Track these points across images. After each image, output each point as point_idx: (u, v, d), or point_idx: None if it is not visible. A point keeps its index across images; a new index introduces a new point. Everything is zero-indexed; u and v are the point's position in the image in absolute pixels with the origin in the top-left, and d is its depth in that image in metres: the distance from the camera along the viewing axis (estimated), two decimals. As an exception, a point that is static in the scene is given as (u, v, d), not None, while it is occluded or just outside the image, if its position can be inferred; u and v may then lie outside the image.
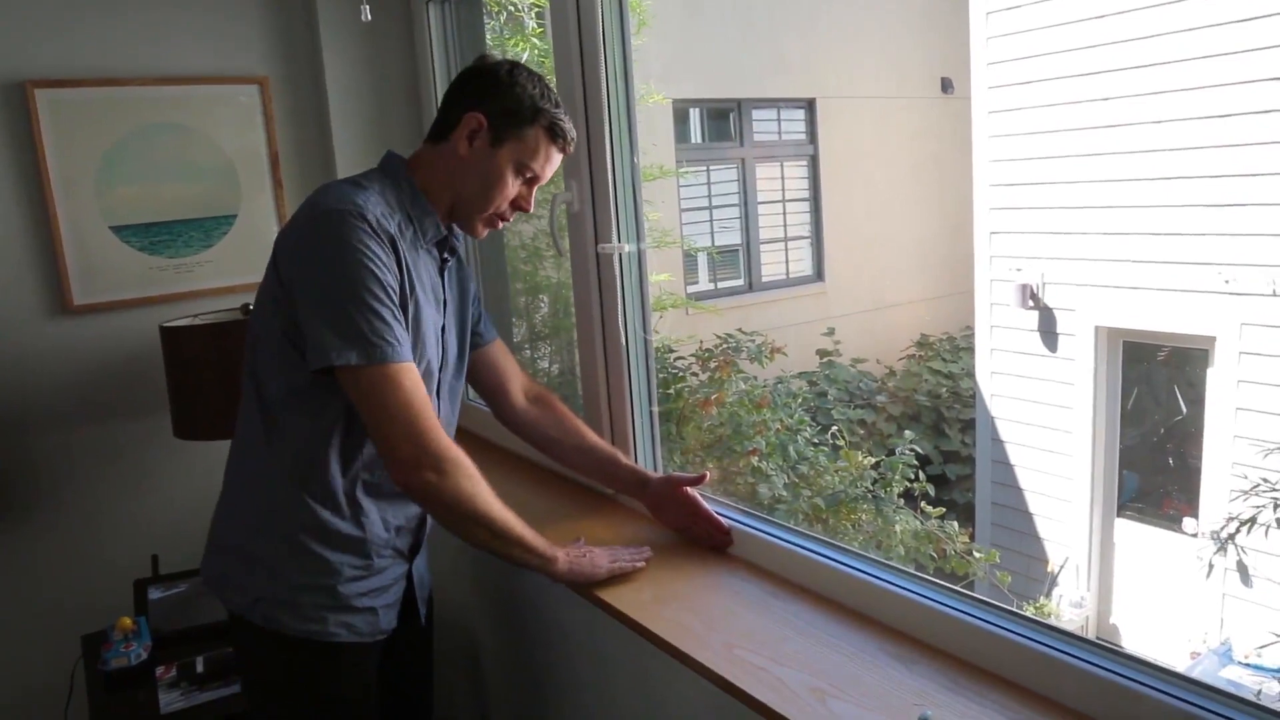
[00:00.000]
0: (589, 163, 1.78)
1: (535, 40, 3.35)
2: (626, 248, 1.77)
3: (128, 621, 2.04)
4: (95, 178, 2.27)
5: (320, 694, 1.50)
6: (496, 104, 1.44)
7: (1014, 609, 1.23)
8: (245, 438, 1.49)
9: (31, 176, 2.19)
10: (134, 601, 2.20)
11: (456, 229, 1.56)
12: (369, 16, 2.06)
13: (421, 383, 1.38)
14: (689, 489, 1.66)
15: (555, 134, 1.47)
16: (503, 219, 1.52)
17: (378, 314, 1.32)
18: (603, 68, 1.73)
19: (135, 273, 2.33)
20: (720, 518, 1.63)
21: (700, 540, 1.66)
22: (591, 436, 1.78)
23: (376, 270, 1.32)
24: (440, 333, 1.53)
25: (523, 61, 3.47)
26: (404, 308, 1.39)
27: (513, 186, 1.48)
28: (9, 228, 2.19)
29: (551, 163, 1.50)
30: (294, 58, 2.47)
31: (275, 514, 1.45)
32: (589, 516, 1.84)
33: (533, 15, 3.35)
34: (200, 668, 1.98)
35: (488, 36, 2.96)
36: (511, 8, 3.31)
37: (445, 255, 1.54)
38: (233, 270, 2.44)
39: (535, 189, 1.52)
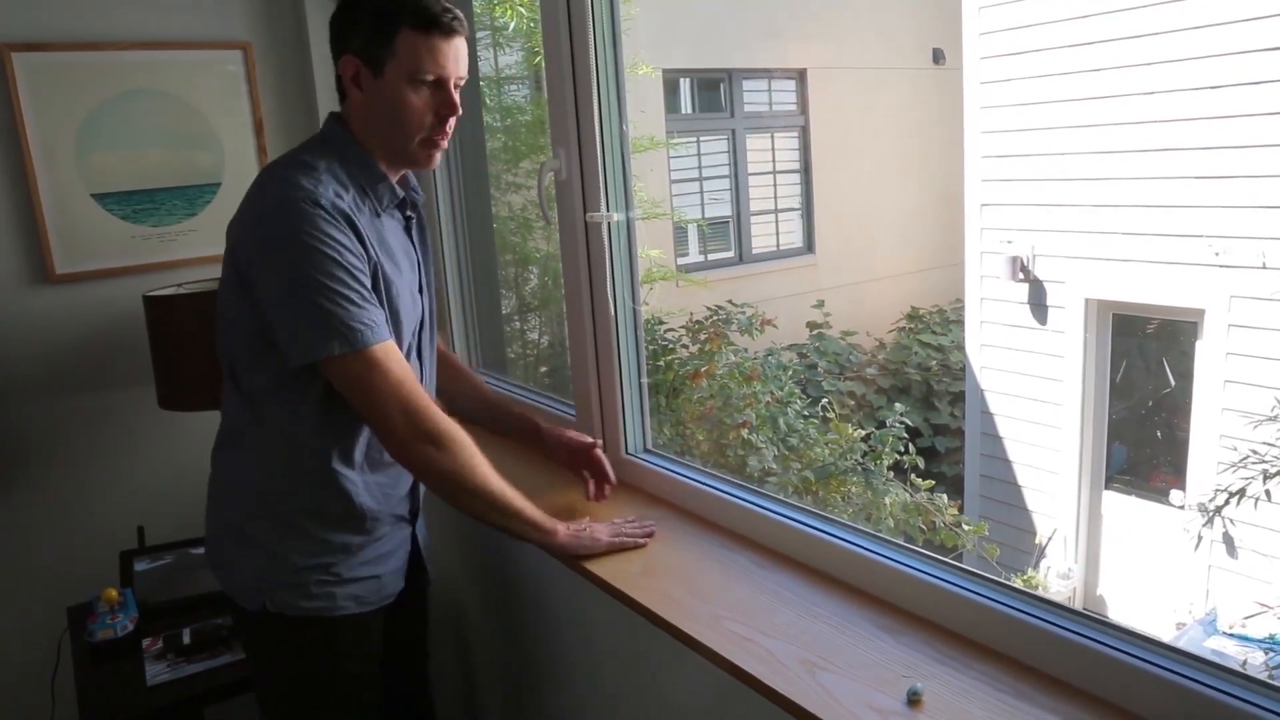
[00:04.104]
0: (577, 131, 1.75)
1: (522, 9, 3.30)
2: (615, 217, 1.75)
3: (113, 593, 2.02)
4: (75, 144, 2.23)
5: (330, 668, 1.50)
6: (357, 37, 1.35)
7: (1002, 580, 1.23)
8: (230, 425, 1.48)
9: (10, 142, 2.15)
10: (120, 573, 2.19)
11: (413, 183, 1.53)
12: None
13: (404, 359, 1.37)
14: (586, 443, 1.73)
15: (425, 23, 1.33)
16: (438, 135, 1.41)
17: (349, 299, 1.29)
18: (591, 35, 1.70)
19: (118, 241, 2.30)
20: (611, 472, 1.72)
21: (581, 477, 1.74)
22: (486, 388, 1.86)
23: (338, 256, 1.29)
24: (417, 294, 1.51)
25: (510, 29, 3.44)
26: (375, 285, 1.36)
27: (420, 100, 1.36)
28: (-13, 195, 2.16)
29: (444, 54, 1.35)
30: (278, 24, 2.43)
31: (269, 498, 1.44)
32: (578, 488, 1.83)
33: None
34: (186, 639, 1.97)
35: (475, 4, 2.91)
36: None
37: (409, 214, 1.52)
38: (217, 239, 2.34)
39: (455, 89, 1.40)
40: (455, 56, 1.38)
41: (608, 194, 1.75)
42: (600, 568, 1.49)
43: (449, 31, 1.36)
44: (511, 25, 3.37)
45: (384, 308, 1.38)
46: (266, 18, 2.41)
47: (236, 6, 2.38)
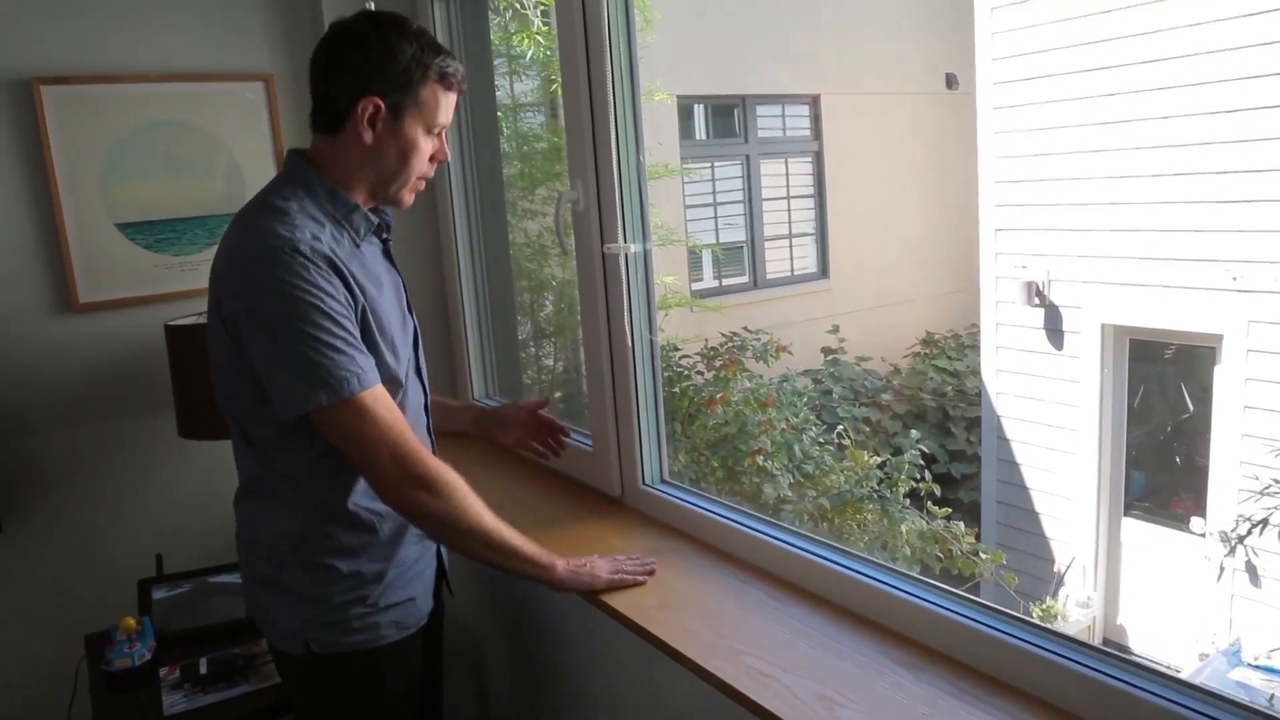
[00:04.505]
0: (595, 162, 1.76)
1: (540, 38, 3.33)
2: (632, 248, 1.76)
3: (131, 621, 2.03)
4: (100, 175, 2.25)
5: (377, 698, 1.51)
6: (384, 80, 1.37)
7: (1021, 615, 1.23)
8: (246, 476, 1.48)
9: (37, 173, 2.19)
10: (138, 601, 2.19)
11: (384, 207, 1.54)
12: (374, 14, 2.04)
13: (394, 404, 1.37)
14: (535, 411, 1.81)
15: (448, 81, 1.42)
16: (424, 179, 1.48)
17: (333, 348, 1.29)
18: (608, 66, 1.72)
19: (140, 270, 2.32)
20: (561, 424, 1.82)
21: (536, 449, 1.82)
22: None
23: (319, 303, 1.29)
24: (407, 315, 1.53)
25: (527, 58, 3.47)
26: (365, 323, 1.37)
27: (428, 147, 1.44)
28: (15, 225, 2.18)
29: (452, 108, 1.46)
30: (300, 55, 2.46)
31: (295, 545, 1.44)
32: (595, 519, 1.84)
33: (538, 12, 3.33)
34: (204, 669, 1.97)
35: (493, 34, 2.94)
36: (517, 5, 3.29)
37: (385, 237, 1.52)
38: (237, 269, 2.43)
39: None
40: (454, 108, 1.47)
41: (625, 225, 1.76)
42: (617, 600, 1.49)
43: (460, 89, 1.45)
44: (529, 54, 3.40)
45: (380, 340, 1.39)
46: (288, 49, 2.45)
47: (259, 38, 2.42)
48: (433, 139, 1.45)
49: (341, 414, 1.30)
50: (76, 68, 2.20)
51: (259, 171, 2.43)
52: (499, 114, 3.38)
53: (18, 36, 2.14)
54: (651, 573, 1.56)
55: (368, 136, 1.39)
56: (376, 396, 1.33)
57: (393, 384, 1.42)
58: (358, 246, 1.43)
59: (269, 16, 2.41)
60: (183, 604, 2.19)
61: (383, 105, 1.37)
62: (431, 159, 1.46)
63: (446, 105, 1.43)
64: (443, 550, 1.62)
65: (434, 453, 1.57)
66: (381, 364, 1.39)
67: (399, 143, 1.40)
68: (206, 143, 2.38)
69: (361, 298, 1.37)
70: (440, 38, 2.39)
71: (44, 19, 2.16)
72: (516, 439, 1.84)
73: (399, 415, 1.36)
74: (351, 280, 1.35)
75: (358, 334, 1.34)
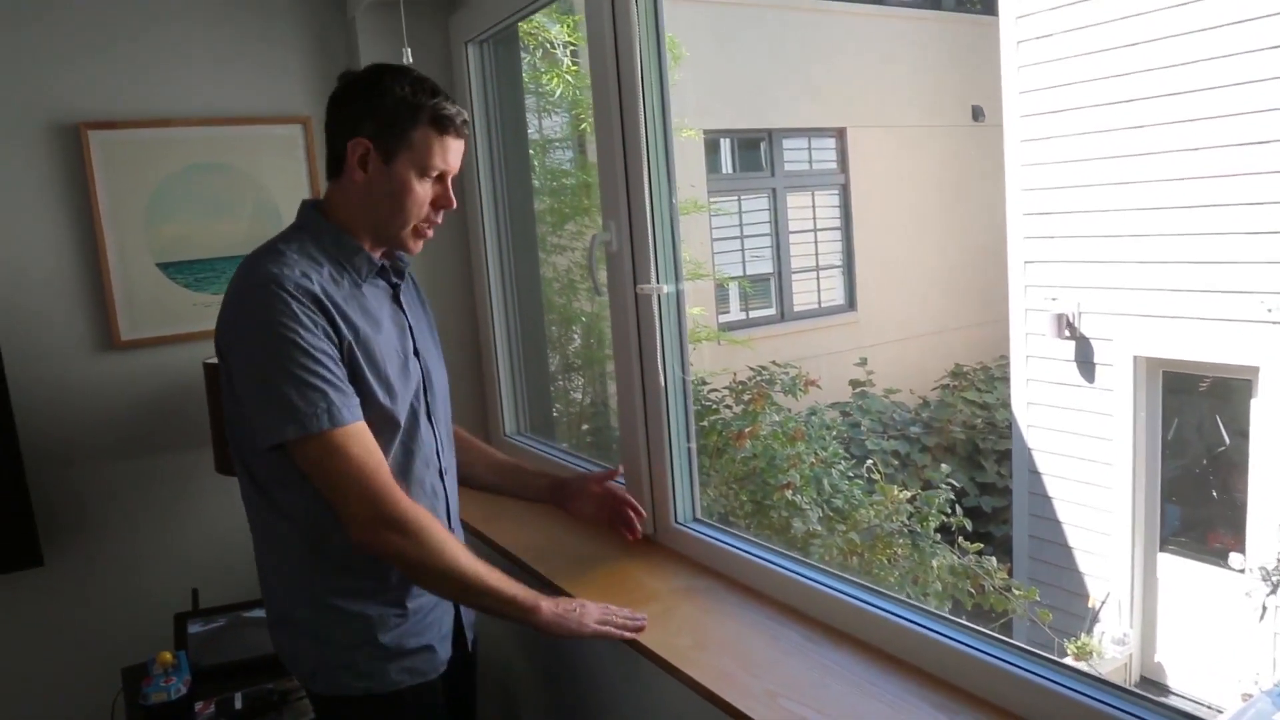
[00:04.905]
0: (628, 202, 1.78)
1: (569, 78, 3.38)
2: (665, 289, 1.78)
3: (168, 656, 2.05)
4: (143, 215, 2.31)
5: None
6: (373, 120, 1.39)
7: (1054, 657, 1.22)
8: (253, 515, 1.50)
9: (83, 215, 2.25)
10: (174, 635, 2.22)
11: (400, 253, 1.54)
12: (411, 59, 2.09)
13: (373, 443, 1.36)
14: (609, 484, 1.76)
15: (442, 124, 1.40)
16: (430, 225, 1.47)
17: (308, 384, 1.30)
18: (641, 107, 1.74)
19: (180, 309, 2.37)
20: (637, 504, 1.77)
21: (615, 525, 1.79)
22: (498, 455, 1.86)
23: (296, 338, 1.30)
24: (411, 357, 1.50)
25: (556, 96, 3.52)
26: (352, 361, 1.37)
27: (423, 192, 1.42)
28: (62, 265, 2.24)
29: (452, 152, 1.44)
30: (335, 98, 2.51)
31: (302, 582, 1.46)
32: (627, 558, 1.84)
33: (568, 53, 3.38)
34: (239, 704, 1.98)
35: (524, 74, 2.99)
36: (548, 45, 3.35)
37: (394, 281, 1.52)
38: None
39: (451, 182, 1.46)
40: (458, 155, 1.45)
41: (658, 265, 1.78)
42: (650, 639, 1.49)
43: (460, 134, 1.43)
44: (559, 92, 3.44)
45: (371, 378, 1.39)
46: (325, 90, 2.48)
47: (297, 82, 2.47)
48: (430, 183, 1.43)
49: (311, 449, 1.31)
50: (122, 112, 2.27)
51: (295, 212, 2.47)
52: (530, 151, 3.42)
53: (68, 82, 2.21)
54: (641, 629, 1.52)
55: (358, 177, 1.41)
56: (350, 434, 1.32)
57: (388, 424, 1.42)
58: (359, 287, 1.45)
59: (307, 60, 2.47)
60: (217, 638, 2.22)
61: (371, 146, 1.39)
62: (435, 205, 1.45)
63: (442, 149, 1.42)
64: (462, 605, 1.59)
65: (452, 504, 1.58)
66: (371, 403, 1.39)
67: (391, 185, 1.41)
68: (245, 184, 2.43)
69: (349, 336, 1.37)
70: (473, 79, 2.43)
71: (92, 66, 2.23)
72: (592, 515, 1.82)
73: (376, 456, 1.35)
74: (339, 317, 1.37)
75: (341, 371, 1.35)
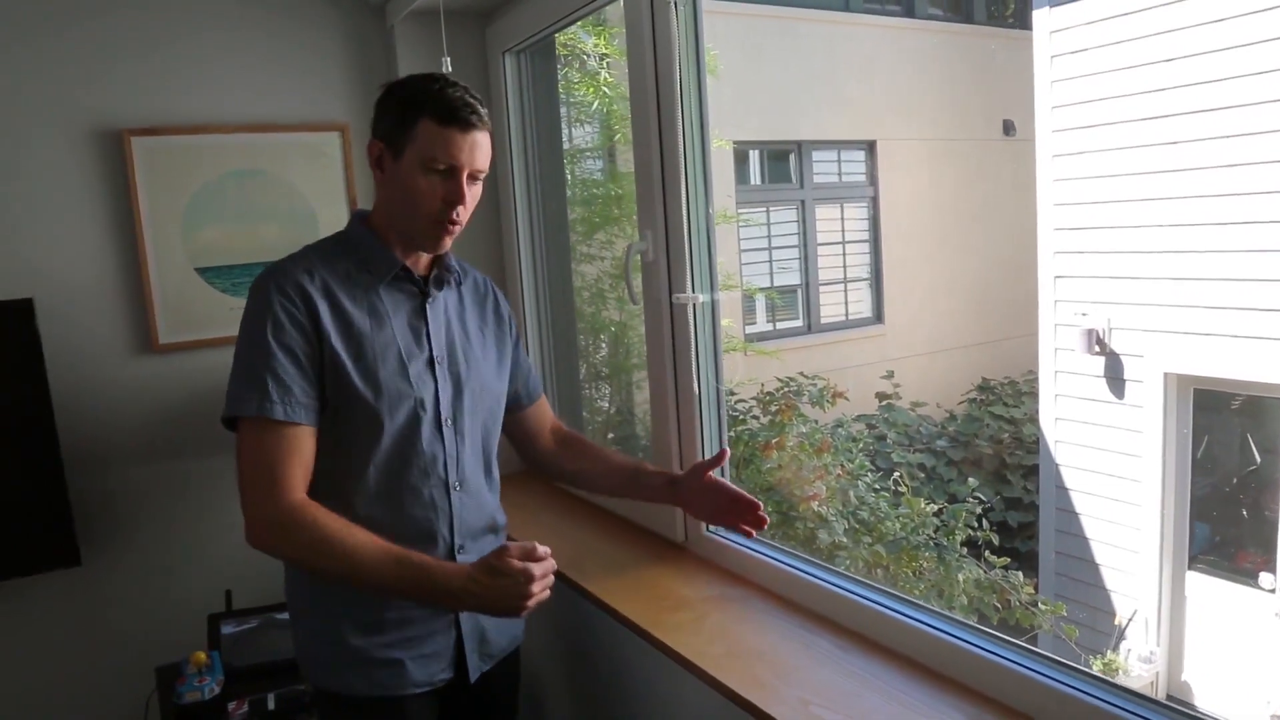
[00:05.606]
0: (664, 212, 1.80)
1: (606, 90, 3.40)
2: (701, 299, 1.79)
3: (202, 656, 2.08)
4: (182, 221, 2.35)
5: None
6: (382, 122, 1.43)
7: (1089, 670, 1.21)
8: None
9: (124, 219, 2.28)
10: (208, 635, 2.24)
11: (450, 263, 1.53)
12: (450, 68, 2.11)
13: (285, 443, 1.33)
14: (711, 474, 1.61)
15: (443, 115, 1.37)
16: (449, 222, 1.42)
17: (254, 372, 1.34)
18: (679, 118, 1.75)
19: (217, 313, 2.40)
20: (750, 496, 1.58)
21: (734, 524, 1.59)
22: (617, 457, 1.77)
23: (265, 330, 1.35)
24: (424, 364, 1.47)
25: (592, 107, 3.54)
26: (328, 353, 1.37)
27: (429, 186, 1.39)
28: (104, 269, 2.28)
29: (458, 146, 1.38)
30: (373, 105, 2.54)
31: (300, 575, 1.50)
32: (658, 565, 1.85)
33: (604, 64, 3.41)
34: (272, 704, 2.00)
35: (560, 85, 3.02)
36: (584, 56, 3.37)
37: (429, 289, 1.50)
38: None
39: (470, 180, 1.42)
40: (471, 149, 1.40)
41: (694, 275, 1.79)
42: (682, 646, 1.50)
43: (467, 126, 1.39)
44: (595, 105, 3.47)
45: (351, 367, 1.39)
46: (364, 98, 2.53)
47: (336, 89, 2.50)
48: (437, 176, 1.39)
49: (239, 432, 1.36)
50: (164, 119, 2.31)
51: (332, 217, 2.51)
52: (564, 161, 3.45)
53: (112, 89, 2.25)
54: (545, 557, 1.34)
55: (378, 178, 1.46)
56: (267, 428, 1.33)
57: (370, 422, 1.41)
58: (375, 288, 1.46)
59: (345, 69, 2.51)
60: (250, 639, 2.24)
61: (384, 145, 1.42)
62: (446, 199, 1.41)
63: (444, 141, 1.37)
64: (465, 624, 1.52)
65: (459, 519, 1.51)
66: (351, 394, 1.39)
67: (400, 181, 1.41)
68: (282, 190, 2.46)
69: (337, 324, 1.39)
70: (510, 89, 2.46)
71: (135, 73, 2.27)
72: (710, 513, 1.68)
73: (282, 452, 1.33)
74: (329, 306, 1.40)
75: (303, 371, 1.36)
